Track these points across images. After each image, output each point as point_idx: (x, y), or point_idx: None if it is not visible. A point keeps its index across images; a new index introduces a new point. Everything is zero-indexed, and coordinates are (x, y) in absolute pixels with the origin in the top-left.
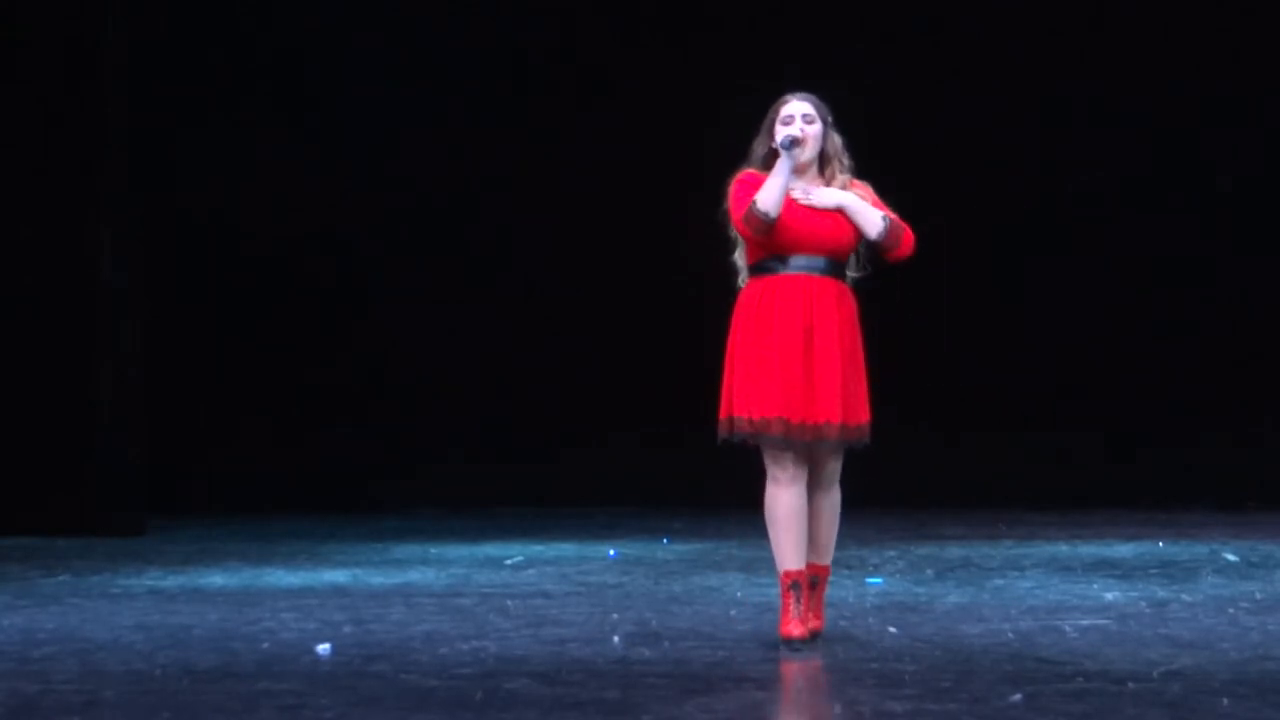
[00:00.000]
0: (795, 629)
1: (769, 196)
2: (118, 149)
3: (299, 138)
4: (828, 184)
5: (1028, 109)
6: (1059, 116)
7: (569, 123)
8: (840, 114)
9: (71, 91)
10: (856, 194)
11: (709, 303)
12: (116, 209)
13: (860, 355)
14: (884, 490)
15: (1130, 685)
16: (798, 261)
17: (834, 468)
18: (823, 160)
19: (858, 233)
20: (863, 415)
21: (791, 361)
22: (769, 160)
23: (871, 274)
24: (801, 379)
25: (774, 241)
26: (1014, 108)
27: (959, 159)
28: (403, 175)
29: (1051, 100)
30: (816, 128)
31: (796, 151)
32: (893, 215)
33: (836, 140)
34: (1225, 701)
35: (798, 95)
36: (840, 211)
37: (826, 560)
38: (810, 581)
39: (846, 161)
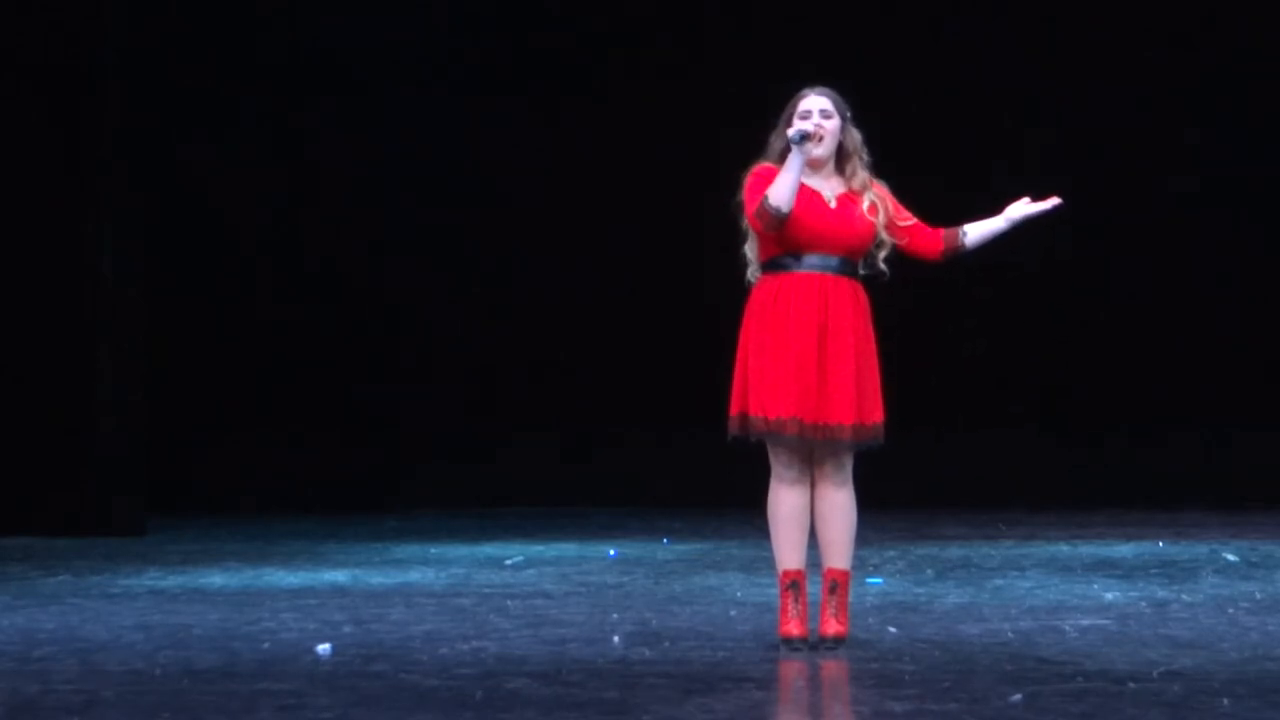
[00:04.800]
0: (794, 629)
1: (780, 192)
2: (118, 149)
3: (299, 138)
4: (846, 180)
5: (1029, 109)
6: (1060, 116)
7: (570, 120)
8: (855, 111)
9: (72, 91)
10: (875, 194)
11: (710, 302)
12: (117, 210)
13: (874, 353)
14: (884, 490)
15: (1130, 685)
16: (812, 259)
17: (844, 468)
18: (841, 156)
19: (873, 232)
20: (876, 415)
21: (806, 361)
22: (785, 154)
23: (880, 276)
24: (816, 379)
25: (790, 238)
26: (1016, 108)
27: (957, 157)
28: (403, 175)
29: (1052, 100)
30: (834, 123)
31: (809, 146)
32: (914, 220)
33: (856, 135)
34: (1225, 701)
35: (816, 89)
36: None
37: (844, 564)
38: (830, 586)
39: (866, 158)
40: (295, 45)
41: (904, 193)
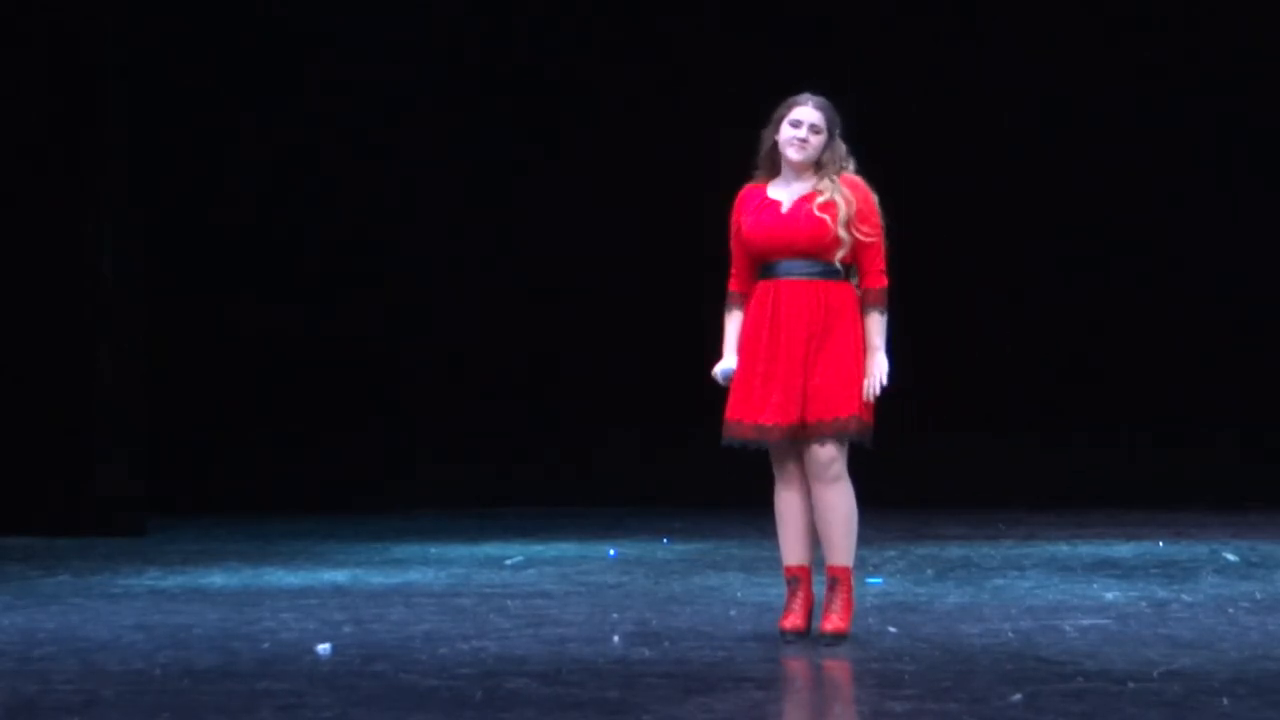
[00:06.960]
0: (787, 622)
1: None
2: (118, 149)
3: (300, 138)
4: (816, 184)
5: (1029, 109)
6: (1061, 114)
7: (572, 120)
8: (857, 117)
9: (72, 91)
10: (845, 194)
11: (710, 302)
12: (117, 210)
13: (850, 348)
14: (884, 490)
15: (1130, 685)
16: (769, 267)
17: (830, 465)
18: (819, 164)
19: (826, 228)
20: (849, 409)
21: (754, 367)
22: (771, 154)
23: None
24: (762, 382)
25: (751, 254)
26: (1016, 108)
27: (957, 157)
28: (404, 176)
29: (1054, 99)
30: (820, 138)
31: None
32: (874, 241)
33: (840, 148)
34: (1225, 701)
35: (810, 100)
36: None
37: (839, 560)
38: (830, 583)
39: (845, 166)
40: (296, 45)
41: (904, 191)
